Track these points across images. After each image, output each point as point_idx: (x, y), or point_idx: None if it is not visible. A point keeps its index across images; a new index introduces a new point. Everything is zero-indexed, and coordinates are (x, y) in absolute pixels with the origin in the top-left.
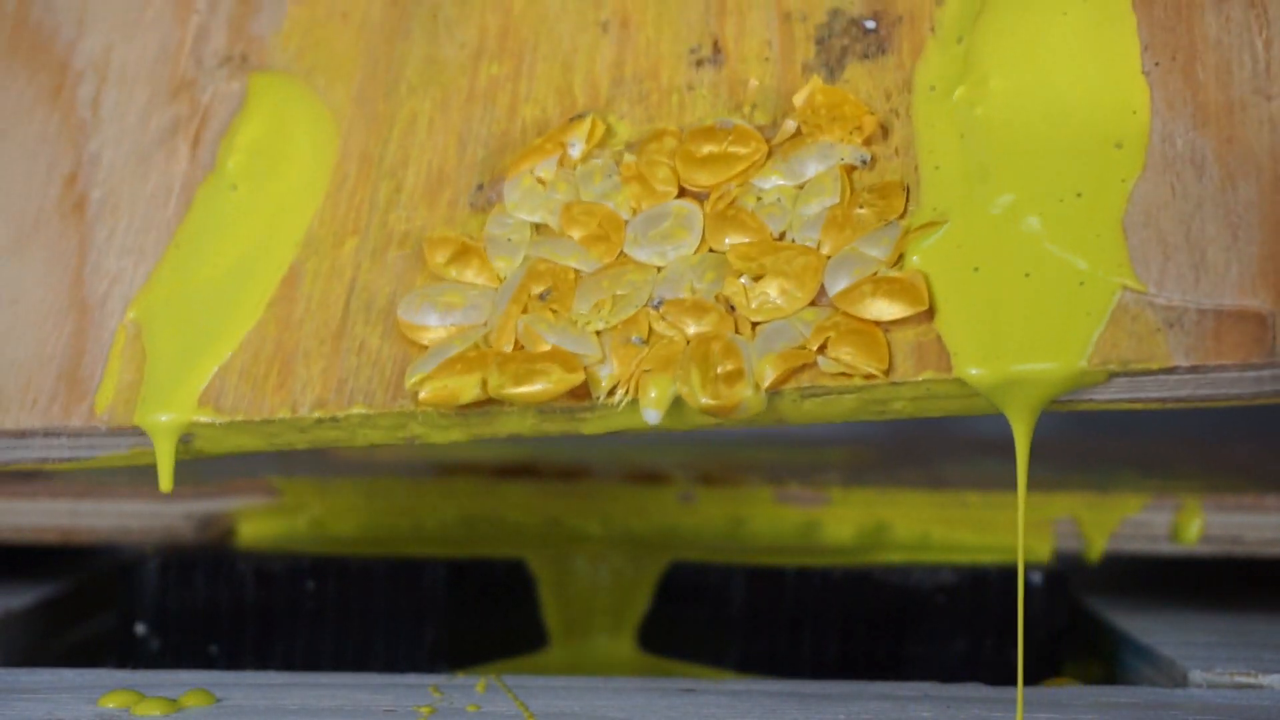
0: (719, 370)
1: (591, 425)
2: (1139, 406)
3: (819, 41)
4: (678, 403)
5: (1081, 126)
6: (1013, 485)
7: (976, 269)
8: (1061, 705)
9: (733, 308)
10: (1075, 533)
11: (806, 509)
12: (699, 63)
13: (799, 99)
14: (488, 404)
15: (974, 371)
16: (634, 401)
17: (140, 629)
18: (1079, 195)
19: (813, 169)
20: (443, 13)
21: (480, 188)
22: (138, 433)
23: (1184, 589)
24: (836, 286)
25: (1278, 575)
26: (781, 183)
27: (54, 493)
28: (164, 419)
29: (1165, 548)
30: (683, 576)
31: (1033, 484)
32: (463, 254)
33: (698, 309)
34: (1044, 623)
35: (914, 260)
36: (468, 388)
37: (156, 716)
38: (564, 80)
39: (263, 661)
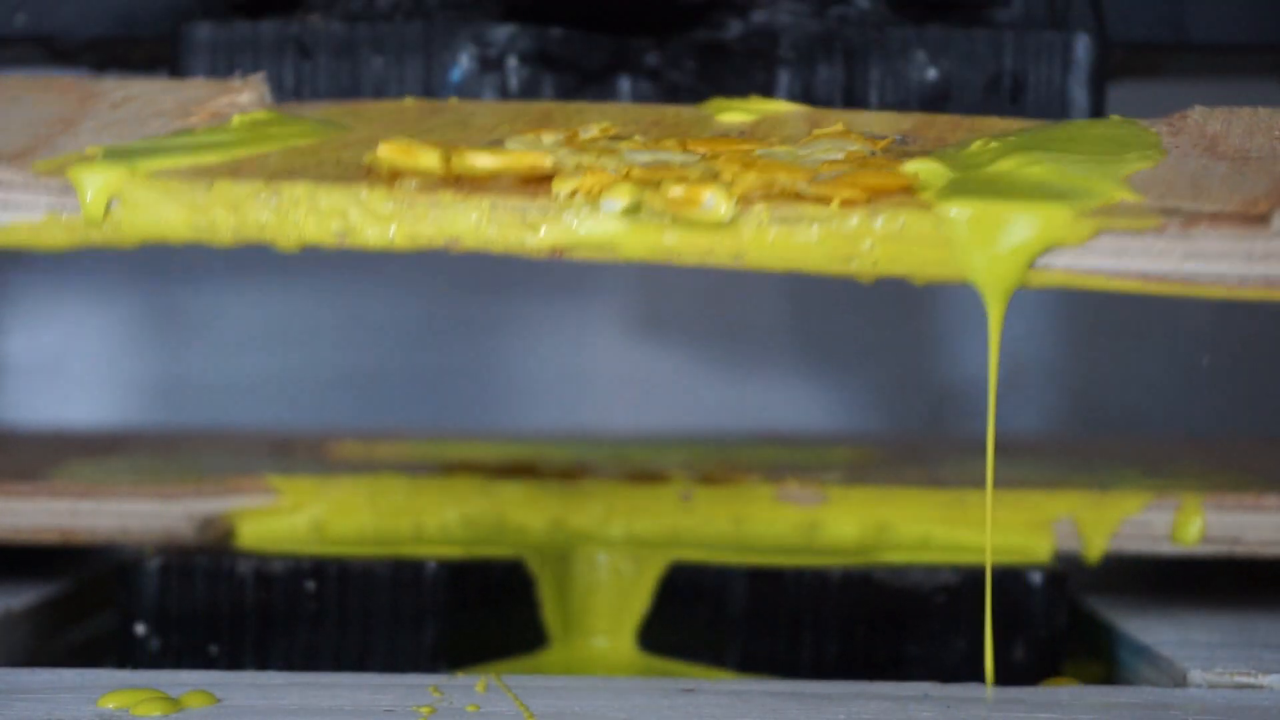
0: (691, 179)
1: (543, 234)
2: (1117, 285)
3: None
4: (640, 210)
5: (1095, 152)
6: (1013, 485)
7: (968, 178)
8: (1061, 705)
9: (717, 174)
10: (1075, 532)
11: (807, 508)
12: (724, 134)
13: (821, 131)
14: (442, 186)
15: (954, 211)
16: (594, 205)
17: (140, 629)
18: (1085, 158)
19: (823, 148)
20: (480, 114)
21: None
22: (61, 189)
23: (1184, 589)
24: (825, 178)
25: (1278, 575)
26: (791, 151)
27: (54, 492)
28: (94, 173)
29: (1165, 547)
30: (683, 576)
31: (1032, 484)
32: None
33: (682, 167)
34: (1043, 623)
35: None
36: (428, 154)
37: (156, 717)
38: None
39: (263, 661)
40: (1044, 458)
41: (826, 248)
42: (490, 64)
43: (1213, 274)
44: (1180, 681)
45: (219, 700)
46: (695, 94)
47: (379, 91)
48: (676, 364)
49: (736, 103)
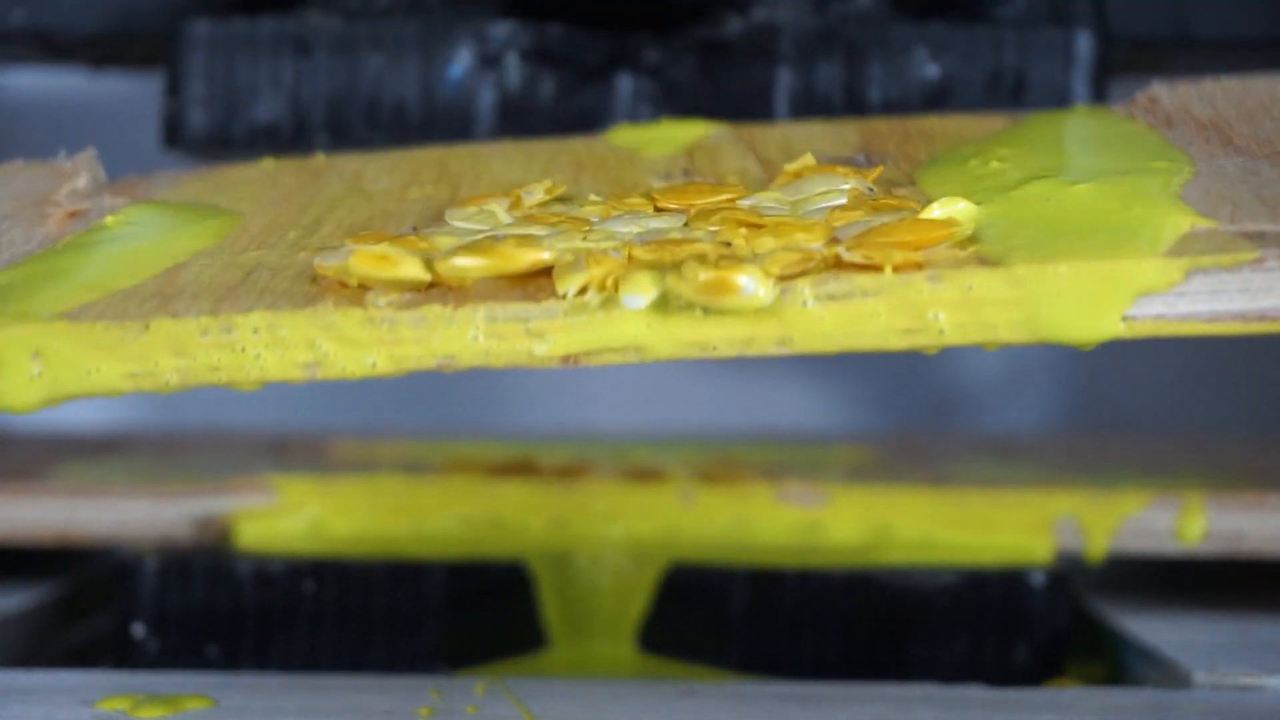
0: (719, 261)
1: (550, 342)
2: (1217, 329)
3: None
4: (665, 303)
5: (1118, 159)
6: (1015, 483)
7: (1016, 215)
8: (1063, 707)
9: (729, 244)
10: (1076, 532)
11: (807, 509)
12: (668, 176)
13: (792, 167)
14: (426, 300)
15: (1024, 267)
16: (609, 299)
17: (138, 630)
18: (1123, 177)
19: (815, 189)
20: (368, 173)
21: (414, 229)
22: None
23: (1187, 589)
24: (850, 234)
25: None
26: (780, 198)
27: (51, 493)
28: (7, 329)
29: (1168, 547)
30: (683, 577)
31: (1034, 483)
32: (400, 240)
33: (689, 241)
34: (1045, 623)
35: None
36: (407, 261)
37: (154, 719)
38: (507, 193)
39: (261, 663)
40: (1046, 456)
41: (885, 323)
42: (490, 61)
43: None
44: (1184, 683)
45: (217, 702)
46: (695, 91)
47: (378, 89)
48: (676, 364)
49: (641, 130)
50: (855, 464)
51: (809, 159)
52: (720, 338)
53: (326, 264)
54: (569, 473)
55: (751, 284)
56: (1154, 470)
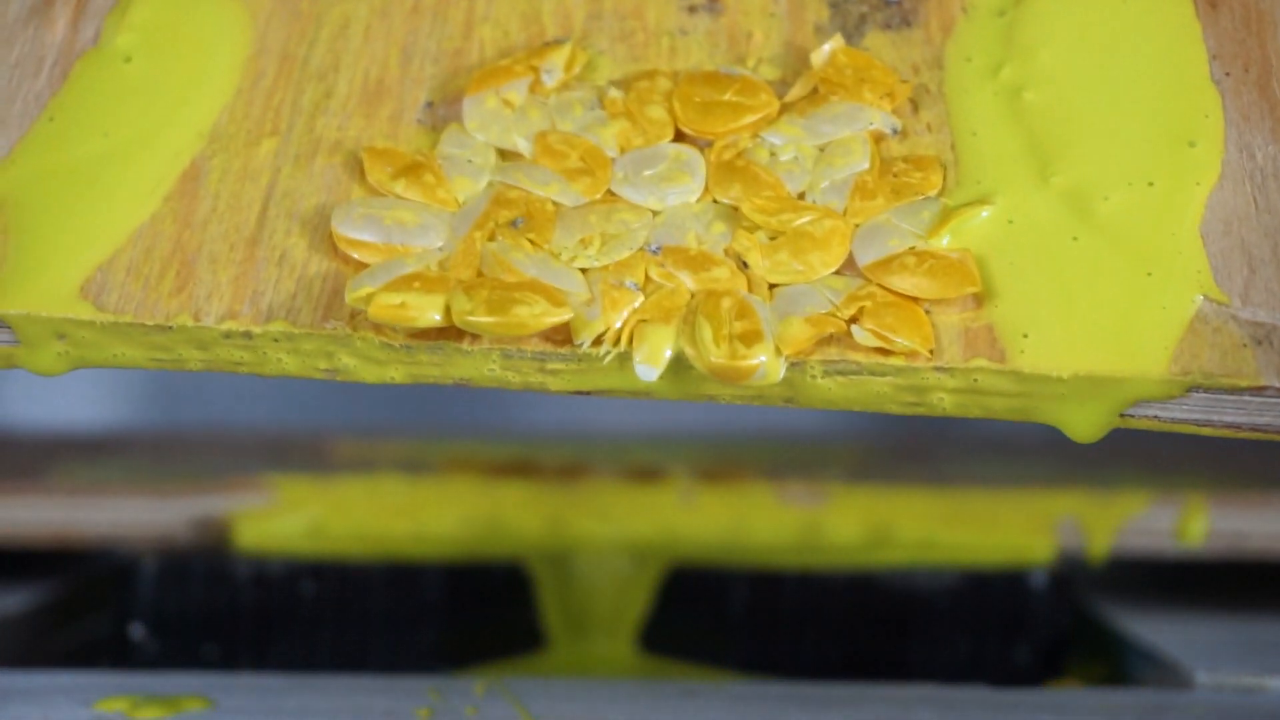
0: (734, 328)
1: (564, 380)
2: (1207, 432)
3: (833, 5)
4: (677, 364)
5: (1149, 119)
6: (1015, 482)
7: (1031, 251)
8: (1064, 707)
9: (745, 264)
10: (1078, 532)
11: (808, 508)
12: (692, 9)
13: (817, 58)
14: (442, 336)
15: (1031, 369)
16: (624, 355)
17: (137, 631)
18: (1150, 184)
19: (836, 130)
20: None
21: (430, 105)
22: None
23: (1189, 589)
24: (868, 257)
25: None
26: (800, 140)
27: (49, 493)
28: (31, 311)
29: (1170, 547)
30: (683, 577)
31: (1036, 483)
32: (412, 169)
33: (705, 260)
34: (1047, 623)
35: (958, 238)
36: (427, 309)
37: (153, 719)
38: (530, 7)
39: (260, 664)
40: (1047, 456)
41: (890, 397)
42: None
43: None
44: (1186, 683)
45: (215, 703)
46: None
47: None
48: None
49: None
50: (855, 464)
51: (838, 43)
52: (729, 395)
53: (355, 293)
54: (569, 473)
55: (763, 370)
56: (1155, 471)
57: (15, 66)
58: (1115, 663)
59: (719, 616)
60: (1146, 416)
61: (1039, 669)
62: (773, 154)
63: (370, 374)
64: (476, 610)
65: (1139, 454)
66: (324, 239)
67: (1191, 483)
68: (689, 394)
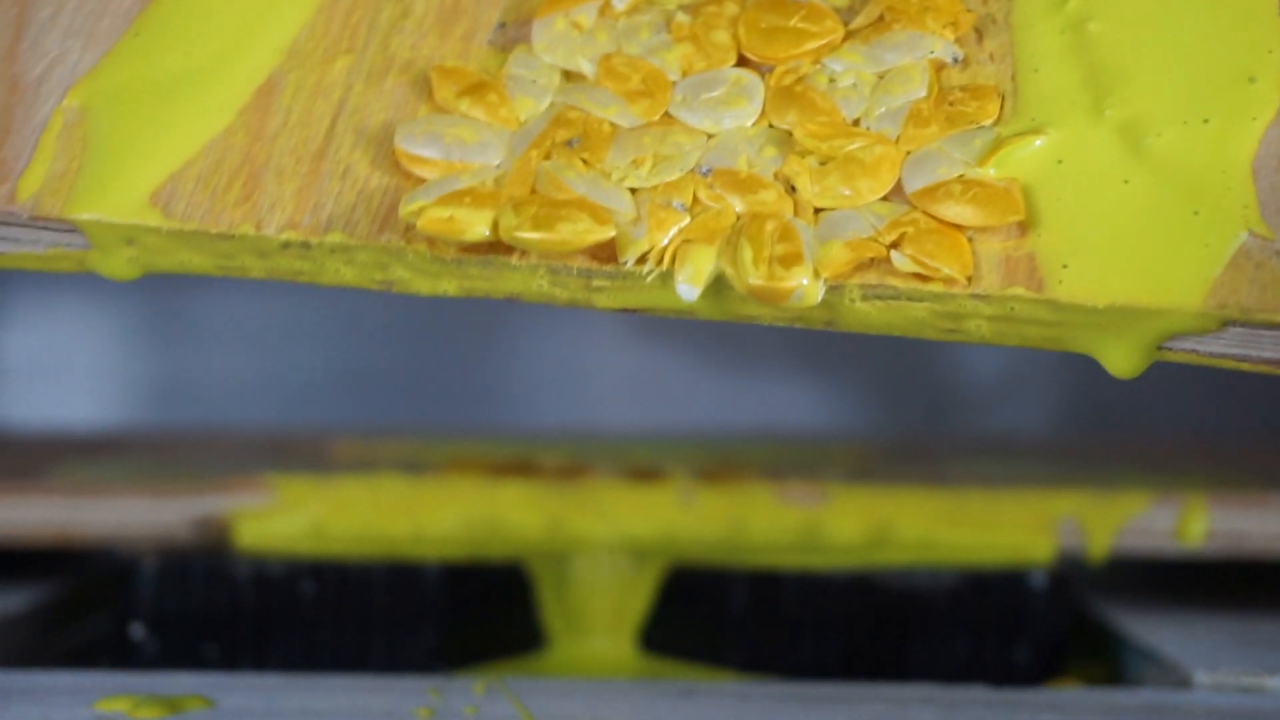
0: (774, 250)
1: (609, 297)
2: (1246, 367)
3: None
4: (718, 284)
5: (1211, 55)
6: (1015, 482)
7: (1079, 185)
8: (1064, 707)
9: (794, 189)
10: (1078, 532)
11: (807, 508)
12: None
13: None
14: (491, 251)
15: (1068, 297)
16: (666, 274)
17: (137, 631)
18: (1205, 122)
19: (897, 58)
20: None
21: (502, 26)
22: (64, 227)
23: (1188, 589)
24: (916, 183)
25: None
26: (860, 67)
27: (50, 493)
28: (102, 217)
29: (1169, 546)
30: (683, 577)
31: (1036, 483)
32: (478, 88)
33: (753, 183)
34: (1047, 624)
35: (1007, 168)
36: (475, 223)
37: (153, 719)
38: None
39: (260, 663)
40: (1047, 457)
41: (928, 322)
42: None
43: None
44: (1185, 683)
45: (216, 703)
46: None
47: None
48: (676, 363)
49: None
50: (855, 464)
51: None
52: (769, 315)
53: (408, 207)
54: (569, 473)
55: (800, 291)
56: (1155, 470)
57: None
58: (1115, 663)
59: (719, 616)
60: (1184, 349)
61: (1039, 669)
62: (832, 80)
63: (424, 285)
64: (476, 610)
65: (1139, 454)
66: (387, 155)
67: (1191, 483)
68: (729, 313)
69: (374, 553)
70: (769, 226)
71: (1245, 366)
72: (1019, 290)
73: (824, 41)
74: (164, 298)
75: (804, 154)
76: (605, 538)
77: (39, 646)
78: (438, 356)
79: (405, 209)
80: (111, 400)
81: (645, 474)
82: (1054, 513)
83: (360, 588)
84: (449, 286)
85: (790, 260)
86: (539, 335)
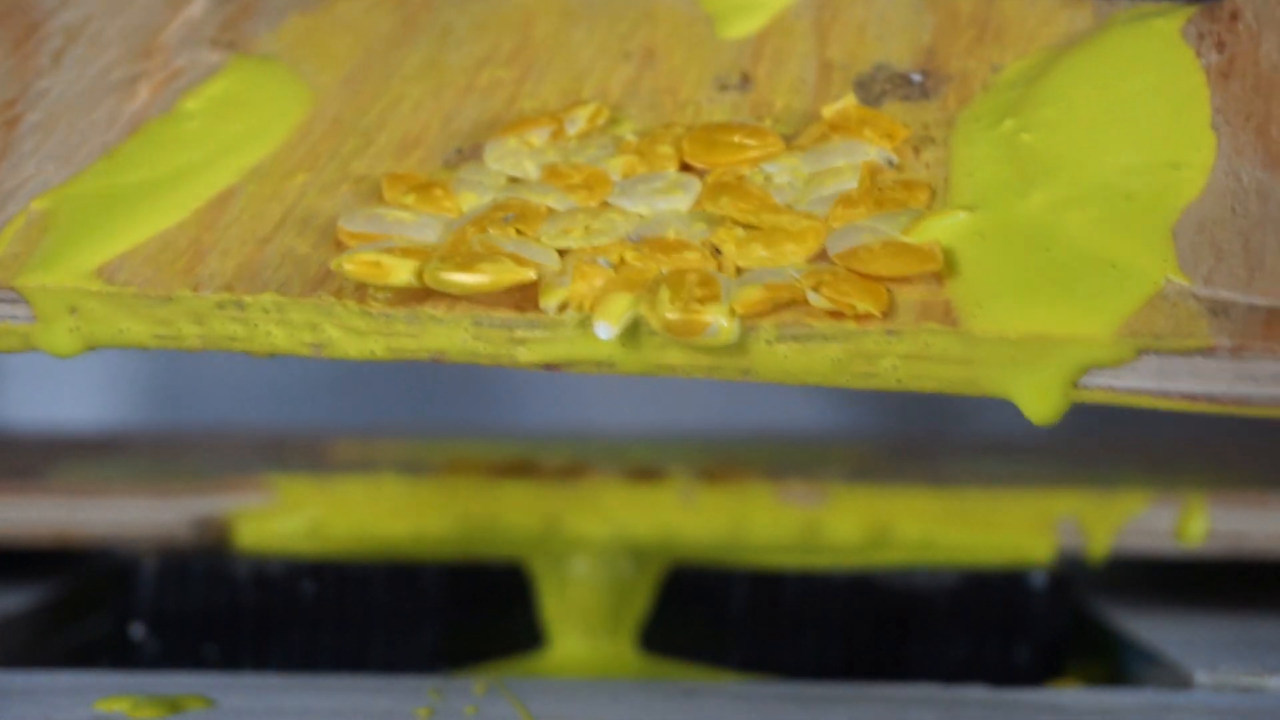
0: (693, 293)
1: (531, 350)
2: (1163, 404)
3: (858, 84)
4: (636, 331)
5: (1140, 147)
6: (1015, 482)
7: (1000, 250)
8: (1064, 707)
9: (719, 252)
10: (1078, 532)
11: (807, 508)
12: (723, 88)
13: (829, 110)
14: (416, 300)
15: (980, 330)
16: (586, 320)
17: (137, 631)
18: (1128, 198)
19: (833, 161)
20: (455, 32)
21: (459, 151)
22: (10, 297)
23: (1189, 589)
24: (838, 248)
25: None
26: (797, 168)
27: (50, 493)
28: (48, 284)
29: (1170, 547)
30: (683, 577)
31: (1035, 483)
32: (425, 187)
33: (680, 246)
34: (1047, 624)
35: (928, 236)
36: (399, 269)
37: (153, 719)
38: (573, 86)
39: (260, 663)
40: (1047, 457)
41: (842, 367)
42: None
43: (1269, 396)
44: (1185, 683)
45: (216, 703)
46: None
47: None
48: None
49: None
50: (855, 464)
51: (850, 100)
52: (685, 364)
53: (337, 261)
54: (568, 473)
55: (715, 328)
56: (1155, 470)
57: (92, 123)
58: (1115, 663)
59: (719, 616)
60: (1100, 387)
61: (1039, 669)
62: (768, 178)
63: (353, 347)
64: (476, 610)
65: (1139, 454)
66: (330, 239)
67: (1191, 483)
68: (648, 363)
69: (374, 553)
70: (690, 276)
71: (1162, 404)
72: (933, 325)
73: (764, 151)
74: None
75: (732, 226)
76: (605, 538)
77: (39, 646)
78: None
79: (335, 261)
80: (111, 400)
81: (645, 474)
82: (1054, 513)
83: (360, 588)
84: (376, 346)
85: (707, 299)
86: None
